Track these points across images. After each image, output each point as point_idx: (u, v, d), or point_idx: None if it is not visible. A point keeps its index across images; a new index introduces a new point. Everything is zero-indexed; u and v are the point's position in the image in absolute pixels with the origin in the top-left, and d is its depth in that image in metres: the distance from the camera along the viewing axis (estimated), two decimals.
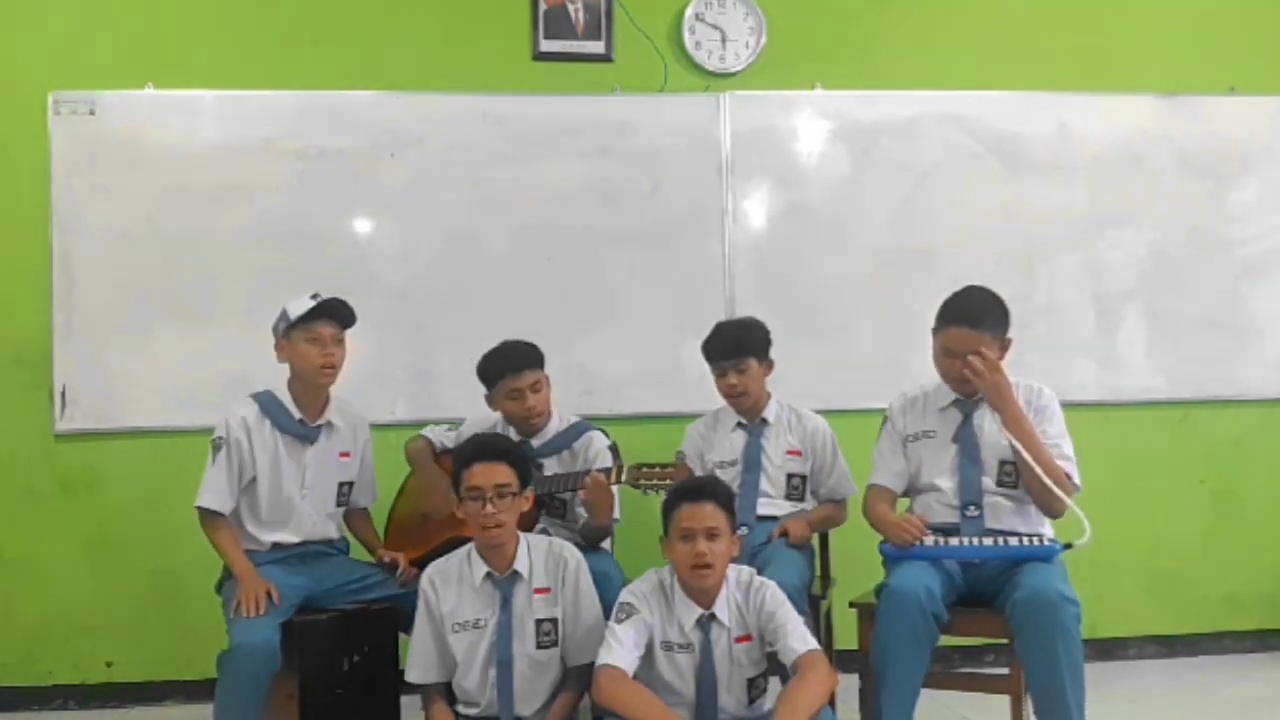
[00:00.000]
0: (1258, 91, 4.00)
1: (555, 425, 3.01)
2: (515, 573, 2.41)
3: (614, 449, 3.00)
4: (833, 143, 3.88)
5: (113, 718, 3.52)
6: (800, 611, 2.40)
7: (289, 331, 2.77)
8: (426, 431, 3.13)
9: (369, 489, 3.00)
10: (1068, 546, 2.51)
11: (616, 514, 2.89)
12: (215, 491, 2.72)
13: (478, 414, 3.08)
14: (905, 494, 2.81)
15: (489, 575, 2.40)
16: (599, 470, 2.78)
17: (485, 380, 2.97)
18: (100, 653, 3.60)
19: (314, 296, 2.80)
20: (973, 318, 2.62)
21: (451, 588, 2.42)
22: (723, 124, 3.83)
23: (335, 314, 2.80)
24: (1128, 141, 3.95)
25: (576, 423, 3.05)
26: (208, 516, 2.73)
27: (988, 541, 2.52)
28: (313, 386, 2.82)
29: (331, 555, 2.87)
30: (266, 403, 2.81)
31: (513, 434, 2.99)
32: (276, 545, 2.77)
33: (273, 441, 2.78)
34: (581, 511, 2.91)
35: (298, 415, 2.81)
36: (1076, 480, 2.62)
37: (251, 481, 2.77)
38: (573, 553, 2.48)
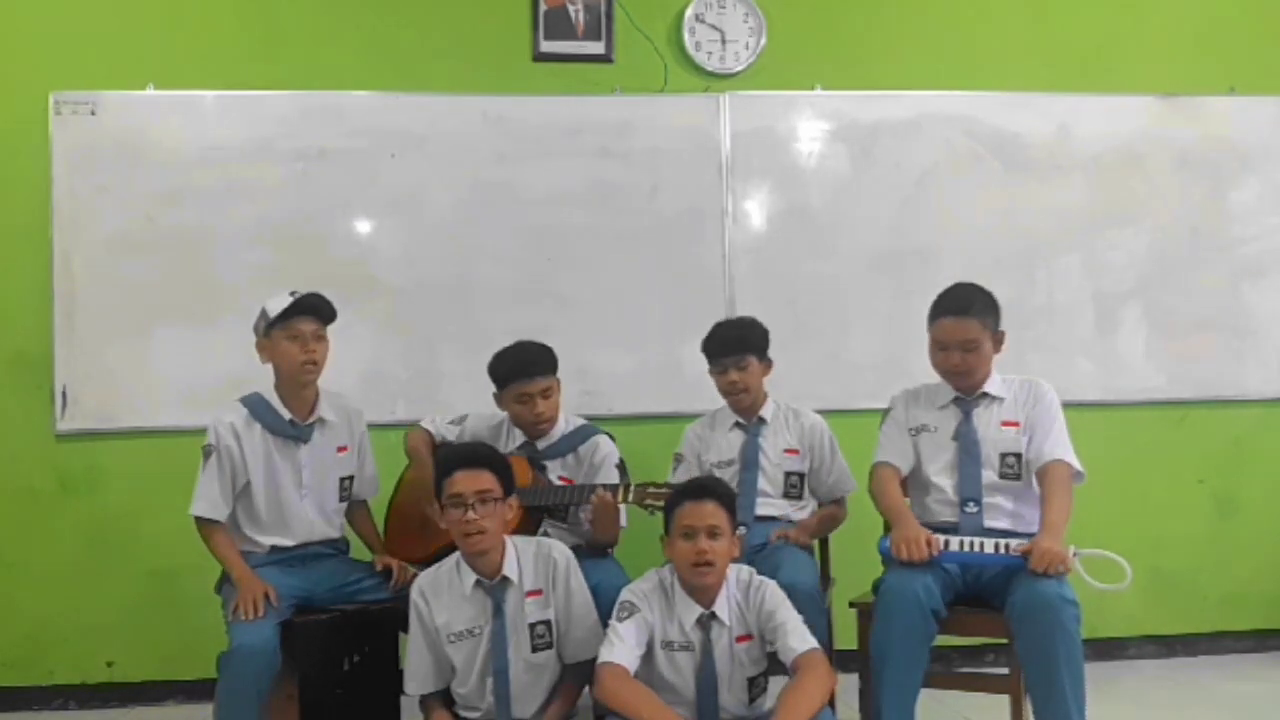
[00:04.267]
0: (1258, 91, 4.00)
1: (561, 428, 2.99)
2: (505, 578, 2.39)
3: (621, 466, 2.94)
4: (832, 143, 3.88)
5: (113, 717, 3.52)
6: (816, 612, 2.40)
7: (269, 330, 2.74)
8: (426, 423, 3.08)
9: (370, 481, 2.95)
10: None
11: (624, 522, 2.88)
12: (208, 500, 2.71)
13: (485, 411, 3.06)
14: (905, 490, 2.80)
15: (479, 583, 2.39)
16: (605, 488, 2.75)
17: (495, 380, 2.94)
18: (101, 652, 3.60)
19: (292, 293, 2.77)
20: (959, 307, 2.66)
21: (443, 598, 2.41)
22: (723, 124, 3.83)
23: (314, 309, 2.76)
24: (1128, 141, 3.95)
25: (583, 426, 3.03)
26: (204, 524, 2.72)
27: (988, 547, 2.51)
28: (297, 385, 2.79)
29: (330, 556, 2.85)
30: (255, 405, 2.78)
31: (517, 434, 2.99)
32: (275, 548, 2.76)
33: (264, 444, 2.76)
34: (585, 518, 2.90)
35: (287, 415, 2.78)
36: (1077, 466, 2.62)
37: (246, 486, 2.75)
38: (561, 551, 2.47)
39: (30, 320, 3.59)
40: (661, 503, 2.60)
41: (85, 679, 3.60)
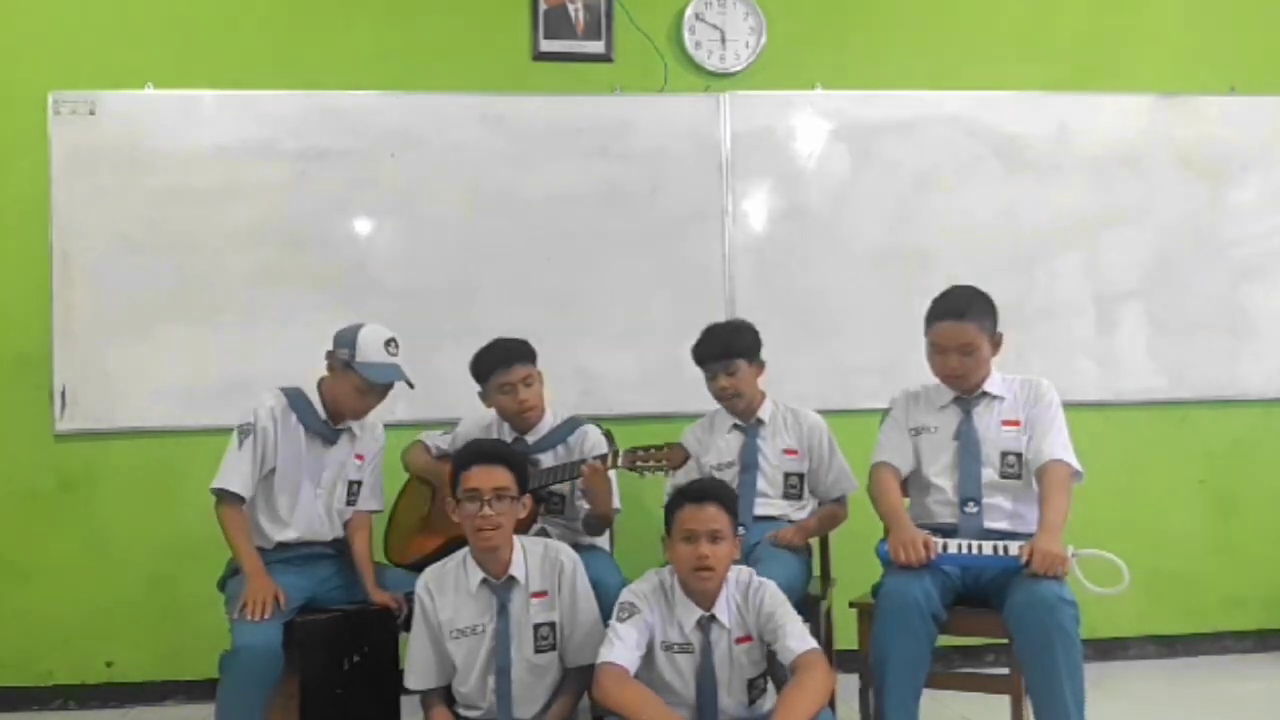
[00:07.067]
0: (1258, 91, 4.00)
1: (550, 421, 3.01)
2: (511, 578, 2.40)
3: (609, 435, 3.00)
4: (833, 143, 3.88)
5: (113, 718, 3.51)
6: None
7: (348, 367, 2.75)
8: (422, 437, 3.13)
9: (376, 493, 2.95)
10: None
11: (617, 503, 2.90)
12: (238, 475, 2.70)
13: (474, 414, 3.07)
14: (905, 490, 2.80)
15: (485, 581, 2.39)
16: (595, 458, 2.78)
17: (477, 376, 2.97)
18: (100, 652, 3.60)
19: (390, 345, 2.77)
20: (956, 310, 2.65)
21: (448, 594, 2.41)
22: (723, 124, 3.83)
23: (399, 380, 2.78)
24: (1128, 141, 3.95)
25: (571, 418, 3.05)
26: (226, 500, 2.70)
27: (986, 549, 2.51)
28: (341, 410, 2.82)
29: (333, 556, 2.86)
30: (295, 398, 2.81)
31: (507, 431, 3.00)
32: (280, 545, 2.76)
33: (296, 436, 2.78)
34: (581, 505, 2.91)
35: (323, 416, 2.81)
36: (1076, 466, 2.62)
37: (269, 474, 2.76)
38: (569, 555, 2.48)
39: (29, 320, 3.59)
40: (650, 464, 2.65)
41: (84, 679, 3.60)
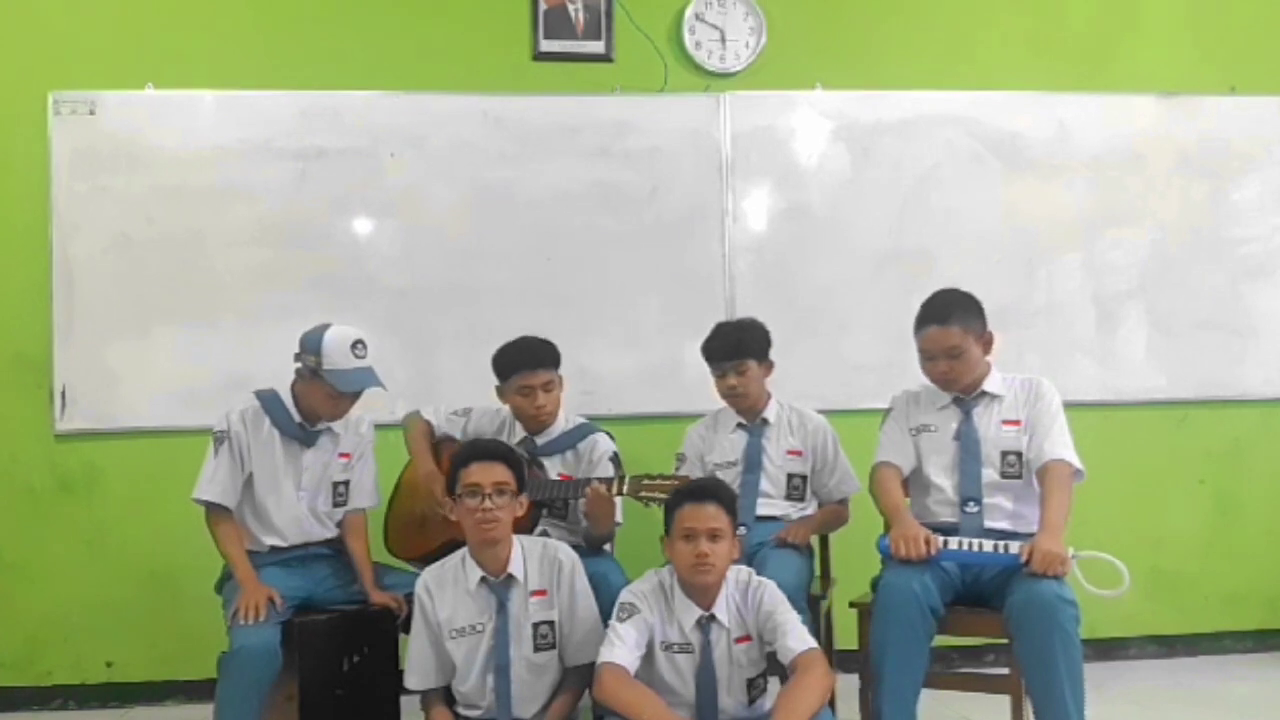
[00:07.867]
0: (1258, 91, 4.00)
1: (561, 425, 3.00)
2: (510, 576, 2.40)
3: (616, 459, 2.96)
4: (833, 143, 3.88)
5: (112, 717, 3.51)
6: (798, 611, 2.40)
7: (315, 374, 2.71)
8: (428, 413, 3.06)
9: (370, 490, 2.92)
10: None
11: (619, 519, 2.88)
12: (216, 484, 2.70)
13: (489, 405, 3.06)
14: (906, 490, 2.80)
15: (484, 579, 2.40)
16: (599, 480, 2.76)
17: (498, 373, 2.95)
18: (100, 652, 3.60)
19: (357, 348, 2.70)
20: (939, 316, 2.65)
21: (447, 594, 2.41)
22: (723, 124, 3.83)
23: (369, 386, 2.74)
24: (1128, 141, 3.95)
25: (582, 424, 3.04)
26: (212, 511, 2.71)
27: (987, 546, 2.51)
28: (319, 415, 2.80)
29: (330, 556, 2.85)
30: (269, 401, 2.79)
31: (519, 429, 2.99)
32: (274, 549, 2.76)
33: (271, 440, 2.77)
34: (583, 515, 2.90)
35: (298, 419, 2.79)
36: (1078, 465, 2.61)
37: (249, 479, 2.75)
38: (567, 554, 2.48)
39: (29, 320, 3.58)
40: (656, 495, 2.59)
41: (84, 679, 3.59)
